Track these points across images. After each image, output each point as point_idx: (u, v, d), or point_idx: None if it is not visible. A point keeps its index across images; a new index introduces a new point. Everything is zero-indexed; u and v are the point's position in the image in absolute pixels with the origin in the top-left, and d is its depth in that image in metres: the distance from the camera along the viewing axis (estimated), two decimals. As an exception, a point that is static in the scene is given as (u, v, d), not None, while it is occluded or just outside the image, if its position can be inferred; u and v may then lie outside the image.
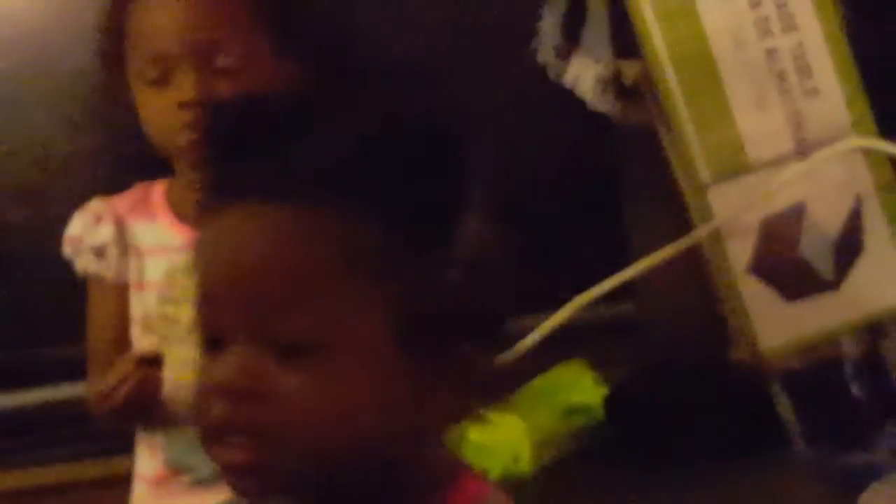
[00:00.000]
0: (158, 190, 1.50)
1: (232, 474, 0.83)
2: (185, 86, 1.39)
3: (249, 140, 0.83)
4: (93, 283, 1.61)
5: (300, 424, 0.81)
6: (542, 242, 2.25)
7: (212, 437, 0.83)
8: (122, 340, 1.57)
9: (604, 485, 1.99)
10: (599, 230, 2.29)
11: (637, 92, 1.99)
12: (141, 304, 1.57)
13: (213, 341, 0.83)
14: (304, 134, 0.83)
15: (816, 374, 1.96)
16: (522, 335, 2.03)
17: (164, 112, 1.41)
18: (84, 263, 1.62)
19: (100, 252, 1.58)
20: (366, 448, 0.83)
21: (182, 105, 1.39)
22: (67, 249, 1.63)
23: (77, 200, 1.66)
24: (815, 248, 1.92)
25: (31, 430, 2.16)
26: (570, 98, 2.07)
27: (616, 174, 2.29)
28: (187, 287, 1.40)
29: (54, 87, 2.17)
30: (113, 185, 1.68)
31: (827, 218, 1.92)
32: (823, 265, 1.93)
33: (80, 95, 2.10)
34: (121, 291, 1.58)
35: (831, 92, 1.90)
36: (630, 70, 1.96)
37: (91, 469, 2.05)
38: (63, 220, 1.63)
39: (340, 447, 0.82)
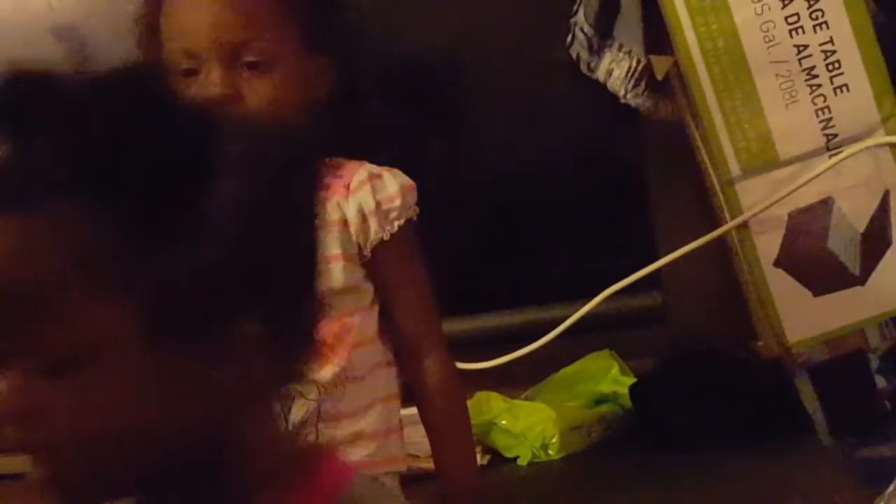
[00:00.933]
0: None
1: (44, 489, 0.81)
2: (213, 80, 1.39)
3: None
4: None
5: (75, 437, 0.78)
6: (571, 234, 2.28)
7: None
8: None
9: (630, 472, 2.01)
10: (627, 222, 2.30)
11: (668, 86, 2.00)
12: None
13: None
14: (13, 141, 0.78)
15: (842, 366, 1.97)
16: (552, 325, 2.06)
17: None
18: None
19: None
20: (160, 447, 0.80)
21: (209, 100, 1.37)
22: None
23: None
24: (842, 243, 1.93)
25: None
26: (601, 91, 2.09)
27: (645, 167, 2.30)
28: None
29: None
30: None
31: (854, 213, 1.93)
32: (850, 259, 1.94)
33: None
34: None
35: (860, 88, 1.91)
36: (661, 65, 1.96)
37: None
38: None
39: (127, 451, 0.79)
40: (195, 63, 1.40)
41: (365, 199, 1.44)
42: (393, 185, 1.46)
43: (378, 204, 1.44)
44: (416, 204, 1.47)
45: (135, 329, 0.78)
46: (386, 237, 1.45)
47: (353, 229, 1.44)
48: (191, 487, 0.82)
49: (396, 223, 1.45)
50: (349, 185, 1.45)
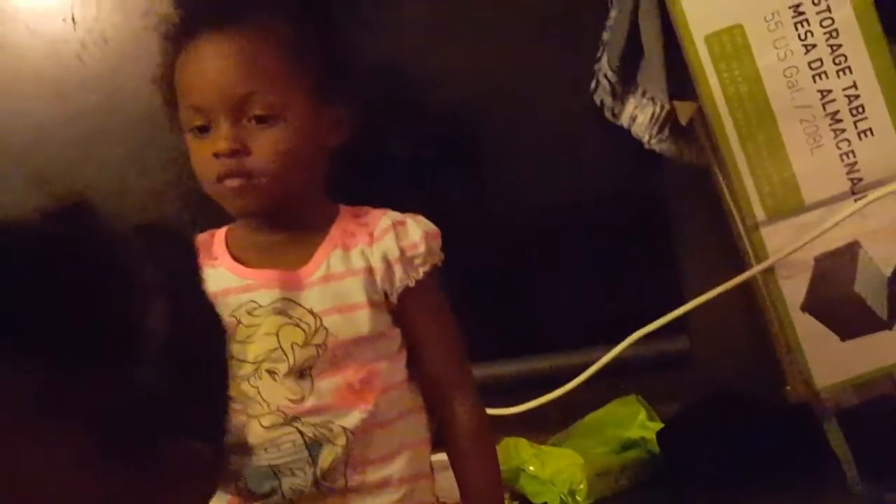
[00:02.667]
0: (220, 235, 1.52)
1: None
2: (220, 135, 1.39)
3: None
4: None
5: None
6: (599, 279, 2.28)
7: None
8: None
9: (658, 519, 2.01)
10: (653, 267, 2.30)
11: (692, 132, 2.01)
12: None
13: None
14: None
15: (871, 410, 1.96)
16: (579, 370, 2.06)
17: (203, 160, 1.42)
18: None
19: None
20: None
21: (216, 154, 1.39)
22: None
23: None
24: (869, 287, 1.93)
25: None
26: (626, 136, 2.10)
27: (670, 211, 2.30)
28: (251, 327, 1.43)
29: (129, 127, 2.21)
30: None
31: (881, 257, 1.93)
32: (878, 303, 1.94)
33: (153, 136, 2.15)
34: None
35: (885, 132, 1.91)
36: (685, 110, 1.97)
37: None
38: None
39: None
40: (206, 119, 1.41)
41: (389, 246, 1.44)
42: (417, 232, 1.46)
43: (402, 251, 1.44)
44: (441, 249, 1.48)
45: (94, 450, 0.77)
46: (411, 284, 1.45)
47: (378, 277, 1.44)
48: None
49: (421, 269, 1.45)
50: (373, 233, 1.45)
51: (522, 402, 2.06)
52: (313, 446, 1.43)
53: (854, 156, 1.91)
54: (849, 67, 1.90)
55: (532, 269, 2.26)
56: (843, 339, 1.95)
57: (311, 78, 1.43)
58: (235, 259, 1.47)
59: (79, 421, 0.77)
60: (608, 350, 2.03)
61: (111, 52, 2.26)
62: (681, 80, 1.97)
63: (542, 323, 2.26)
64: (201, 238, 1.53)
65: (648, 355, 2.17)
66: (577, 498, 2.05)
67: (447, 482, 1.53)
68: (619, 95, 2.09)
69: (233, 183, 1.41)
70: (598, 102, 2.12)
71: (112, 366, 0.78)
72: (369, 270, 1.44)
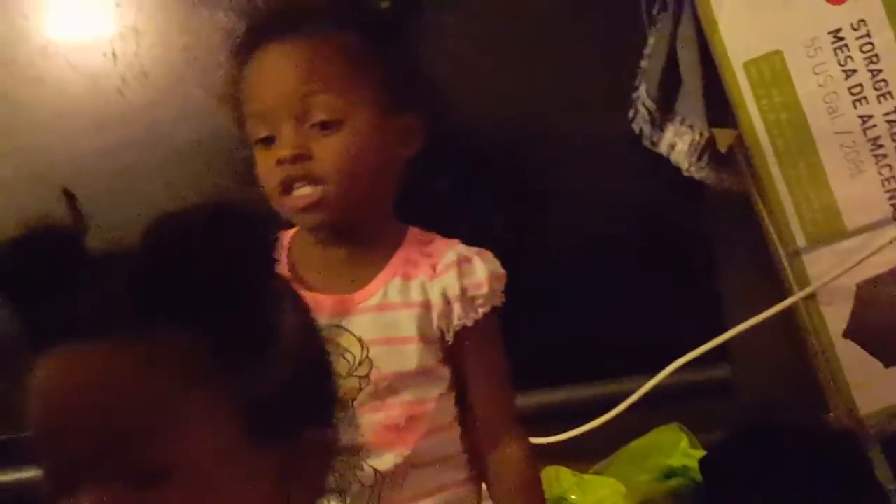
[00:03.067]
0: (286, 238, 1.48)
1: None
2: (283, 141, 1.37)
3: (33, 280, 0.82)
4: None
5: None
6: (640, 307, 2.27)
7: None
8: None
9: (702, 547, 1.99)
10: (695, 294, 2.29)
11: (731, 159, 2.01)
12: None
13: (60, 482, 0.81)
14: (80, 269, 0.83)
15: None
16: (620, 398, 2.06)
17: (268, 170, 1.39)
18: None
19: None
20: None
21: (279, 161, 1.37)
22: None
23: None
24: (912, 313, 1.93)
25: None
26: (665, 165, 2.10)
27: (711, 238, 2.29)
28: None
29: (168, 159, 2.23)
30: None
31: (924, 282, 1.92)
32: (921, 330, 1.93)
33: (193, 169, 2.17)
34: None
35: (926, 157, 1.91)
36: (724, 138, 1.97)
37: None
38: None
39: None
40: (270, 128, 1.39)
41: (451, 283, 1.40)
42: (482, 272, 1.41)
43: (464, 290, 1.40)
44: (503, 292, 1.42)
45: (240, 429, 0.83)
46: (469, 324, 1.40)
47: (435, 313, 1.40)
48: None
49: (482, 310, 1.40)
50: (436, 266, 1.41)
51: (564, 431, 2.05)
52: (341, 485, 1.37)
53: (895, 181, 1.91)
54: (889, 93, 1.89)
55: (574, 298, 2.25)
56: (886, 366, 1.94)
57: (377, 84, 1.40)
58: (292, 271, 1.44)
59: (229, 404, 0.83)
60: (650, 378, 2.02)
61: (151, 86, 2.27)
62: (720, 107, 1.97)
63: (584, 351, 2.25)
64: None
65: (690, 383, 2.16)
66: (620, 527, 2.04)
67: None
68: (658, 123, 2.08)
69: (300, 192, 1.37)
70: (636, 130, 2.12)
71: (260, 356, 0.84)
72: (427, 305, 1.40)
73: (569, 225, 2.26)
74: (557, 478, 2.10)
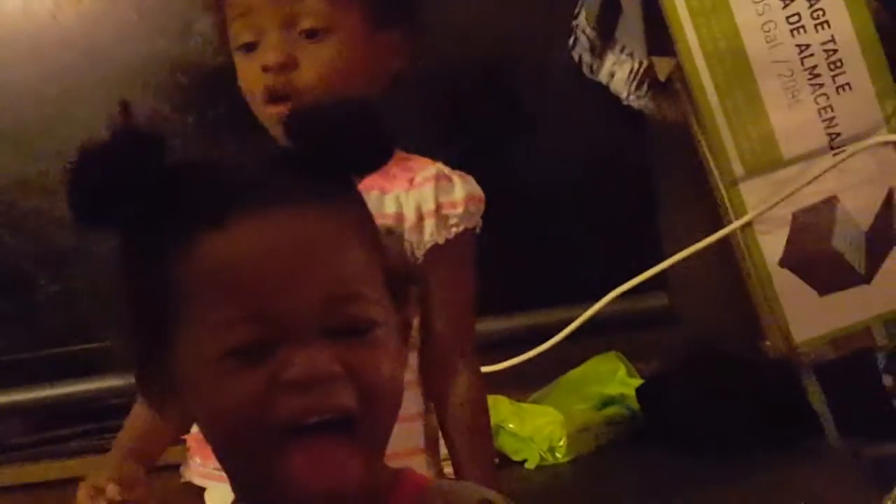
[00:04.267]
0: None
1: None
2: (269, 46, 1.33)
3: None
4: None
5: None
6: (577, 236, 2.28)
7: None
8: None
9: (638, 474, 2.01)
10: (633, 223, 2.30)
11: (670, 88, 2.00)
12: None
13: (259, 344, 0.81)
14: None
15: (849, 365, 1.97)
16: (558, 328, 2.06)
17: (252, 77, 1.35)
18: None
19: None
20: None
21: (264, 68, 1.33)
22: None
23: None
24: (847, 242, 1.94)
25: (86, 419, 2.22)
26: (605, 94, 2.10)
27: (649, 168, 2.30)
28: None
29: (106, 86, 2.20)
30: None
31: (859, 211, 1.93)
32: (856, 258, 1.94)
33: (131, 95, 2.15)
34: None
35: (862, 87, 1.91)
36: (663, 66, 1.97)
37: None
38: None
39: None
40: (255, 33, 1.35)
41: (427, 197, 1.36)
42: (461, 191, 1.37)
43: (439, 206, 1.36)
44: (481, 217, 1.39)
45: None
46: (441, 241, 1.36)
47: (406, 226, 1.35)
48: None
49: (455, 230, 1.36)
50: (413, 178, 1.37)
51: (502, 360, 2.06)
52: None
53: (832, 111, 1.91)
54: (827, 22, 1.89)
55: (511, 228, 2.25)
56: (821, 294, 1.95)
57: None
58: None
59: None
60: (588, 307, 2.03)
61: (85, 10, 2.24)
62: (659, 36, 1.97)
63: (522, 280, 2.26)
64: None
65: (628, 312, 2.17)
66: (557, 455, 2.06)
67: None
68: (598, 51, 2.08)
69: (278, 109, 1.33)
70: (576, 59, 2.12)
71: None
72: (400, 217, 1.35)
73: (508, 155, 2.26)
74: (495, 407, 2.10)
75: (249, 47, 1.37)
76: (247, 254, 0.81)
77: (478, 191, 1.39)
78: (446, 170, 1.39)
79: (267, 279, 0.81)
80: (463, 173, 1.40)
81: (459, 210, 1.37)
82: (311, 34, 1.35)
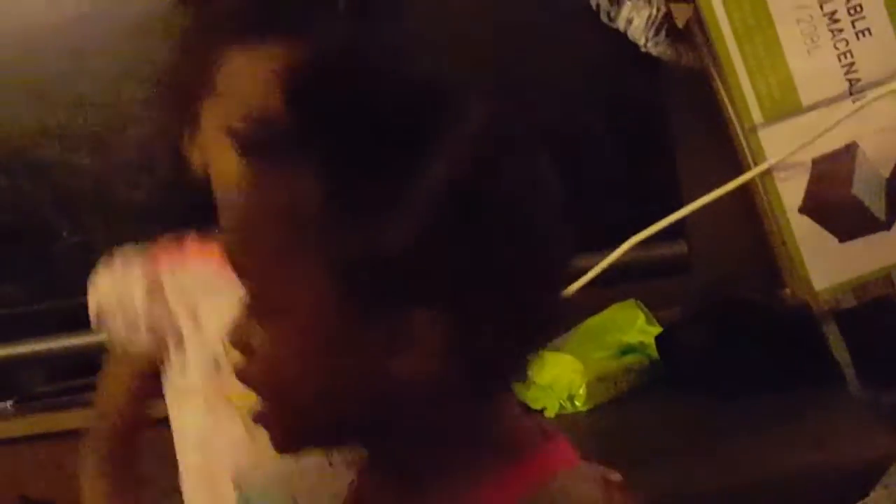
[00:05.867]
0: None
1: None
2: None
3: None
4: None
5: (272, 375, 0.87)
6: (596, 184, 2.27)
7: None
8: None
9: (657, 422, 2.01)
10: (652, 171, 2.29)
11: (688, 34, 1.99)
12: None
13: None
14: None
15: (869, 313, 1.96)
16: (576, 276, 2.06)
17: None
18: None
19: None
20: (340, 402, 0.86)
21: None
22: None
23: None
24: (867, 188, 1.92)
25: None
26: (623, 40, 2.08)
27: (668, 115, 2.29)
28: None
29: (120, 34, 2.20)
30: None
31: (879, 158, 1.91)
32: (876, 205, 1.93)
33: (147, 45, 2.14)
34: None
35: (883, 32, 1.89)
36: (681, 12, 1.95)
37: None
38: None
39: (314, 399, 0.86)
40: None
41: None
42: None
43: None
44: None
45: (334, 290, 0.82)
46: None
47: None
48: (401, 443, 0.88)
49: None
50: None
51: (520, 309, 2.05)
52: None
53: (852, 56, 1.89)
54: (847, -34, 1.87)
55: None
56: (841, 241, 1.94)
57: None
58: None
59: (334, 256, 0.82)
60: (607, 255, 2.02)
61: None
62: (678, -19, 1.95)
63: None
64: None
65: (647, 259, 2.17)
66: (576, 403, 2.06)
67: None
68: (616, -2, 2.06)
69: None
70: (593, 6, 2.10)
71: (379, 218, 0.81)
72: None
73: (524, 102, 2.24)
74: (514, 355, 2.11)
75: None
76: None
77: None
78: None
79: None
80: None
81: None
82: None
